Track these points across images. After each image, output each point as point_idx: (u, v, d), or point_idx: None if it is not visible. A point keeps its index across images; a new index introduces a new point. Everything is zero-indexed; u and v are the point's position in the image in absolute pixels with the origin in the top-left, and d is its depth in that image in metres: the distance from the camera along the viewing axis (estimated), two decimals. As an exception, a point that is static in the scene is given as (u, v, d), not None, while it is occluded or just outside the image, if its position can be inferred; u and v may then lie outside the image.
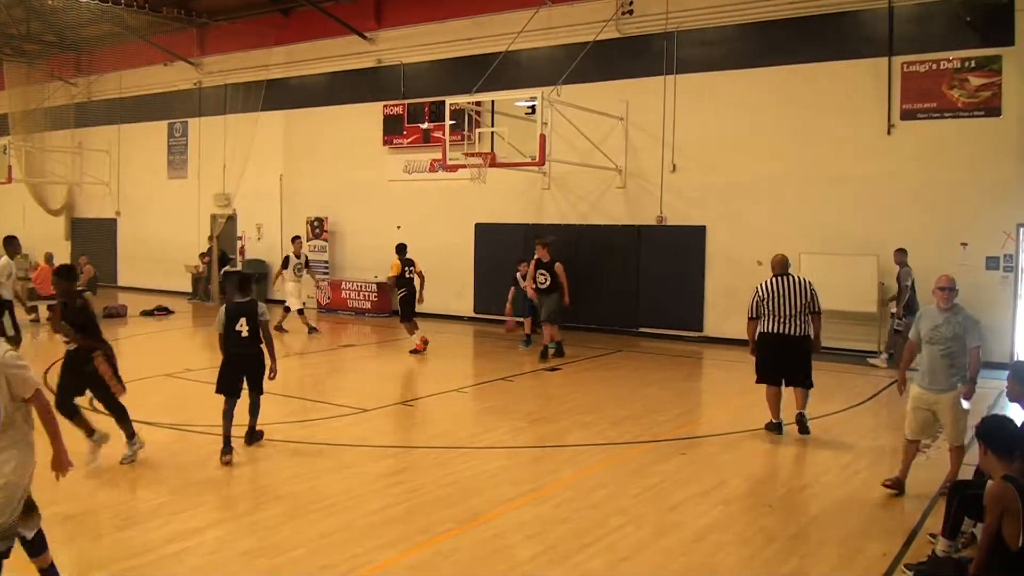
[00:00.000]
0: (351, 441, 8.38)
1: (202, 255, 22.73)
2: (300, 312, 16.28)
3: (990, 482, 4.60)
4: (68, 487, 6.67)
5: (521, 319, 15.02)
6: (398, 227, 19.26)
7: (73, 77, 26.07)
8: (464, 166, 15.29)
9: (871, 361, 13.32)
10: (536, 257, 13.56)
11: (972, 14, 13.34)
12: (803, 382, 8.83)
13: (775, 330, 8.69)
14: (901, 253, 13.13)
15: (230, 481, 7.16)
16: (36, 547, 4.57)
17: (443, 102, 16.68)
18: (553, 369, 12.89)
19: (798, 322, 8.66)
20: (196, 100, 23.90)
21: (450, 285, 18.85)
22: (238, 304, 7.89)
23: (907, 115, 13.96)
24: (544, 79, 16.16)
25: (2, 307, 12.02)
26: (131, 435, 7.52)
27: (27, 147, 25.78)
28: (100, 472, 7.18)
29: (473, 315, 18.65)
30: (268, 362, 7.93)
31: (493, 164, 14.92)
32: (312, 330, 16.21)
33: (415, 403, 10.54)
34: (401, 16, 19.68)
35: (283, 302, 16.59)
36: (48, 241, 25.17)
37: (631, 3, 16.57)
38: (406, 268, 14.08)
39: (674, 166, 16.16)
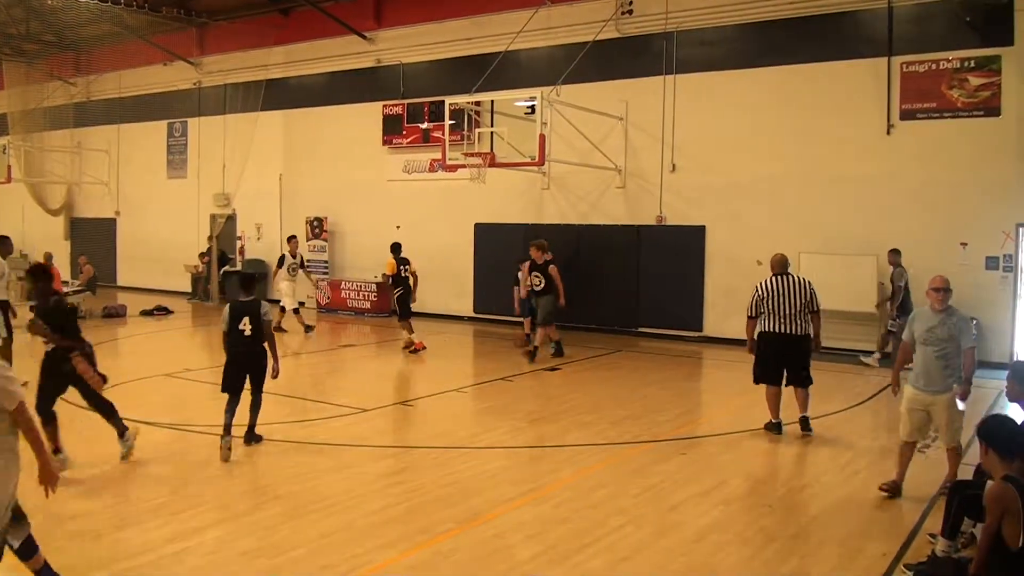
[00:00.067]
0: (351, 441, 8.38)
1: (202, 255, 22.73)
2: (295, 311, 16.29)
3: (990, 482, 4.60)
4: (66, 486, 6.69)
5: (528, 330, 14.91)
6: (397, 227, 19.25)
7: (72, 77, 26.07)
8: (464, 166, 15.29)
9: (864, 360, 13.31)
10: (530, 259, 13.54)
11: (972, 14, 13.35)
12: (803, 381, 8.86)
13: (775, 329, 8.70)
14: (895, 254, 13.14)
15: (230, 481, 7.16)
16: (27, 552, 4.56)
17: (442, 102, 16.68)
18: (553, 369, 12.89)
19: (798, 321, 8.69)
20: (195, 100, 23.90)
21: (450, 285, 18.86)
22: (242, 303, 7.98)
23: (907, 115, 13.96)
24: (543, 79, 16.18)
25: None
26: (122, 432, 7.49)
27: (26, 147, 25.77)
28: (100, 472, 7.17)
29: (473, 315, 18.64)
30: (271, 361, 7.97)
31: (493, 164, 14.92)
32: (308, 328, 16.24)
33: (415, 403, 10.54)
34: (400, 16, 19.69)
35: (279, 301, 16.58)
36: (47, 241, 25.19)
37: (631, 3, 16.57)
38: (401, 267, 14.10)
39: (674, 166, 16.16)
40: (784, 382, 8.90)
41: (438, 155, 17.73)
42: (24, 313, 16.99)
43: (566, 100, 15.21)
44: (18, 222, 28.00)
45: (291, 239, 17.37)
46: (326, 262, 21.04)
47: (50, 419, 7.00)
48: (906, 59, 13.92)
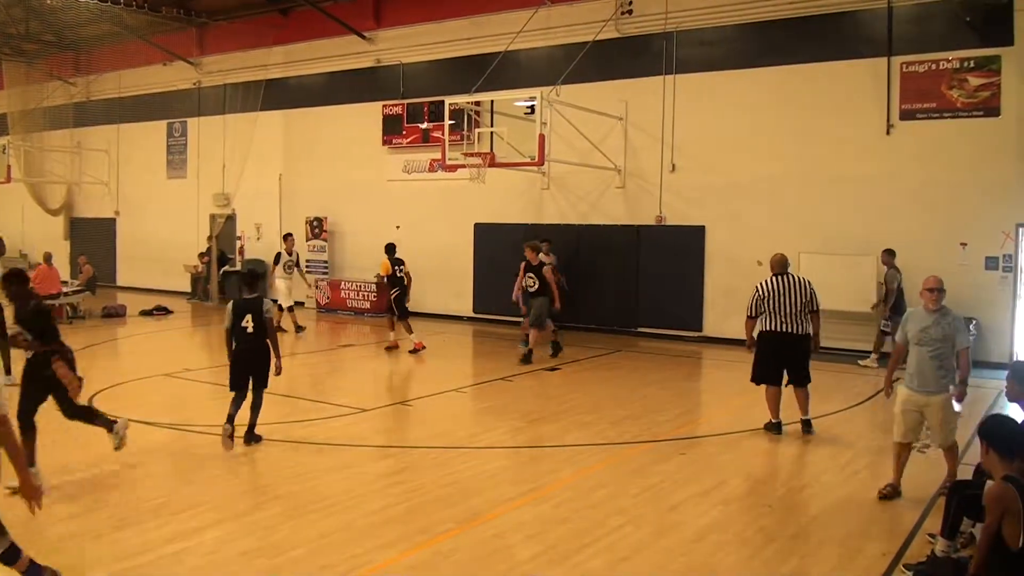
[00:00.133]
0: (351, 441, 8.38)
1: (201, 255, 22.73)
2: (290, 310, 16.31)
3: (989, 482, 4.60)
4: (67, 487, 6.70)
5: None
6: (397, 227, 19.27)
7: (72, 77, 26.05)
8: (463, 166, 15.28)
9: (861, 363, 13.29)
10: (525, 260, 13.53)
11: (971, 14, 13.35)
12: (802, 381, 8.89)
13: (776, 328, 8.72)
14: (889, 254, 13.15)
15: (230, 481, 7.16)
16: (11, 557, 4.54)
17: (442, 102, 16.67)
18: (552, 369, 12.89)
19: (799, 321, 8.71)
20: (195, 100, 23.89)
21: (449, 285, 18.87)
22: (244, 300, 8.05)
23: (906, 115, 13.96)
24: (543, 79, 16.17)
25: None
26: (109, 427, 7.30)
27: (26, 147, 25.76)
28: (99, 472, 7.17)
29: (472, 315, 18.64)
30: (273, 358, 8.04)
31: (492, 164, 14.92)
32: (299, 329, 16.25)
33: (414, 403, 10.54)
34: (400, 16, 19.69)
35: (276, 300, 16.57)
36: (47, 241, 25.14)
37: (630, 3, 16.57)
38: (396, 267, 14.11)
39: (673, 166, 16.16)
40: (784, 382, 8.92)
41: (438, 155, 17.73)
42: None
43: (566, 100, 15.20)
44: (18, 222, 28.03)
45: (287, 237, 17.39)
46: (326, 262, 21.04)
47: (29, 429, 6.71)
48: (906, 59, 13.92)
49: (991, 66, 13.25)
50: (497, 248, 17.69)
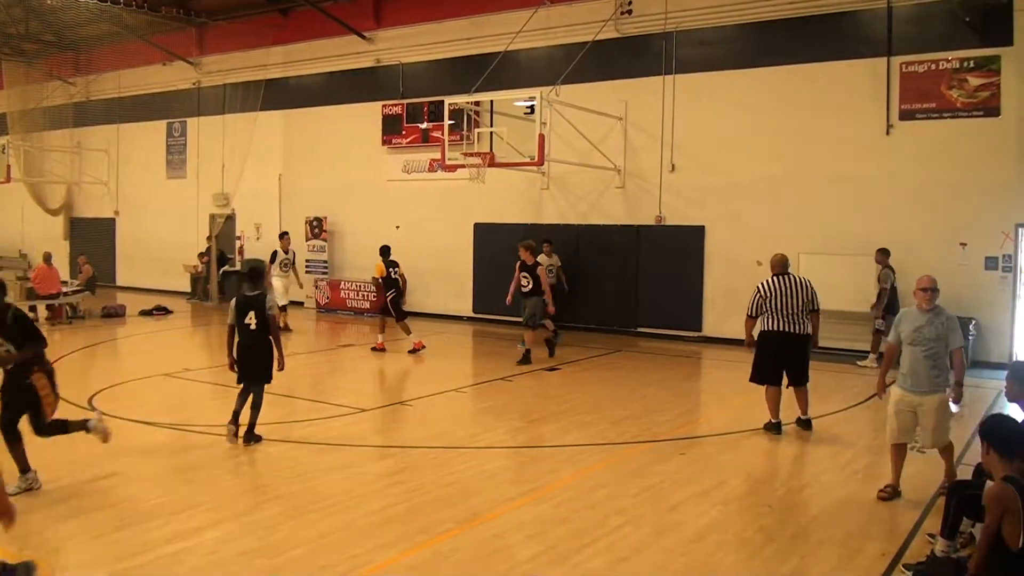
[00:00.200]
0: (351, 441, 8.38)
1: (201, 255, 22.73)
2: (283, 309, 16.32)
3: (989, 483, 4.61)
4: (67, 486, 6.70)
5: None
6: (397, 227, 19.29)
7: (72, 76, 26.05)
8: (463, 166, 15.28)
9: (860, 363, 13.29)
10: (520, 260, 13.54)
11: (971, 14, 13.34)
12: (802, 380, 8.93)
13: (778, 328, 8.73)
14: (883, 253, 13.16)
15: (230, 481, 7.16)
16: None
17: (442, 102, 16.67)
18: (552, 369, 12.89)
19: (800, 320, 8.73)
20: (195, 100, 23.89)
21: (449, 285, 18.88)
22: (247, 297, 8.09)
23: (906, 115, 13.96)
24: (543, 79, 16.18)
25: None
26: (85, 427, 7.03)
27: (26, 146, 25.76)
28: (98, 472, 7.17)
29: (472, 315, 18.64)
30: (276, 354, 8.10)
31: (492, 164, 14.91)
32: (285, 328, 16.25)
33: (414, 403, 10.54)
34: (400, 16, 19.69)
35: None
36: (47, 241, 25.13)
37: (630, 3, 16.57)
38: (390, 269, 14.12)
39: (673, 166, 16.17)
40: (784, 382, 8.93)
41: (437, 155, 17.75)
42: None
43: (565, 100, 15.20)
44: (17, 222, 28.05)
45: (283, 236, 17.41)
46: (325, 262, 21.04)
47: (15, 439, 6.56)
48: (905, 59, 13.92)
49: (991, 66, 13.25)
50: (497, 248, 17.68)
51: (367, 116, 20.17)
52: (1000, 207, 13.19)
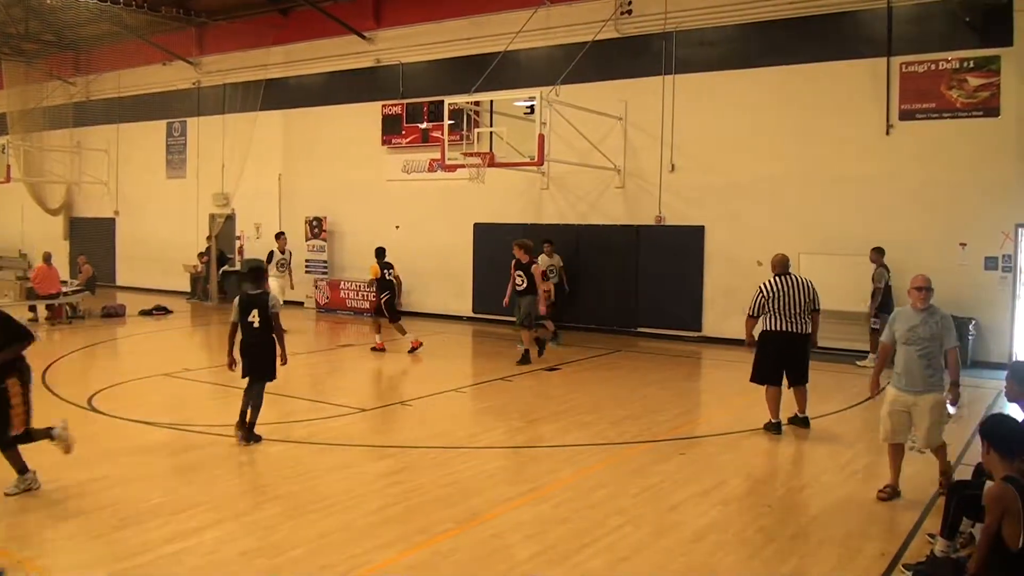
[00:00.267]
0: (350, 441, 8.38)
1: (201, 255, 22.72)
2: None
3: (989, 483, 4.61)
4: (66, 486, 6.69)
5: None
6: (396, 227, 19.29)
7: (72, 76, 26.05)
8: (463, 166, 15.28)
9: (859, 363, 13.29)
10: (515, 259, 13.54)
11: (971, 14, 13.35)
12: (802, 380, 8.95)
13: (780, 328, 8.73)
14: (877, 252, 13.17)
15: (229, 481, 7.15)
16: None
17: (442, 102, 16.66)
18: (552, 369, 12.89)
19: (802, 320, 8.75)
20: (195, 100, 23.89)
21: (449, 285, 18.87)
22: (250, 296, 8.17)
23: (906, 115, 13.96)
24: (543, 79, 16.18)
25: None
26: (47, 433, 6.76)
27: (25, 146, 25.75)
28: (98, 472, 7.16)
29: (472, 315, 18.64)
30: (279, 350, 8.18)
31: (492, 164, 14.91)
32: None
33: (414, 403, 10.53)
34: (400, 16, 19.69)
35: None
36: (47, 240, 25.15)
37: (630, 3, 16.56)
38: (385, 271, 14.13)
39: (673, 166, 16.16)
40: (785, 383, 8.93)
41: (437, 155, 17.74)
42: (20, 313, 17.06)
43: (565, 100, 15.20)
44: (17, 222, 28.06)
45: (279, 235, 17.41)
46: (325, 262, 21.04)
47: (8, 445, 6.44)
48: (905, 59, 13.92)
49: (991, 66, 13.25)
50: (497, 248, 17.64)
51: (367, 116, 20.17)
52: (1000, 207, 13.19)
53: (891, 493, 6.75)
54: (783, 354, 8.79)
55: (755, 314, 8.86)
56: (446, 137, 15.98)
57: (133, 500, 6.48)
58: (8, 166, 24.41)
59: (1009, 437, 4.55)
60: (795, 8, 14.85)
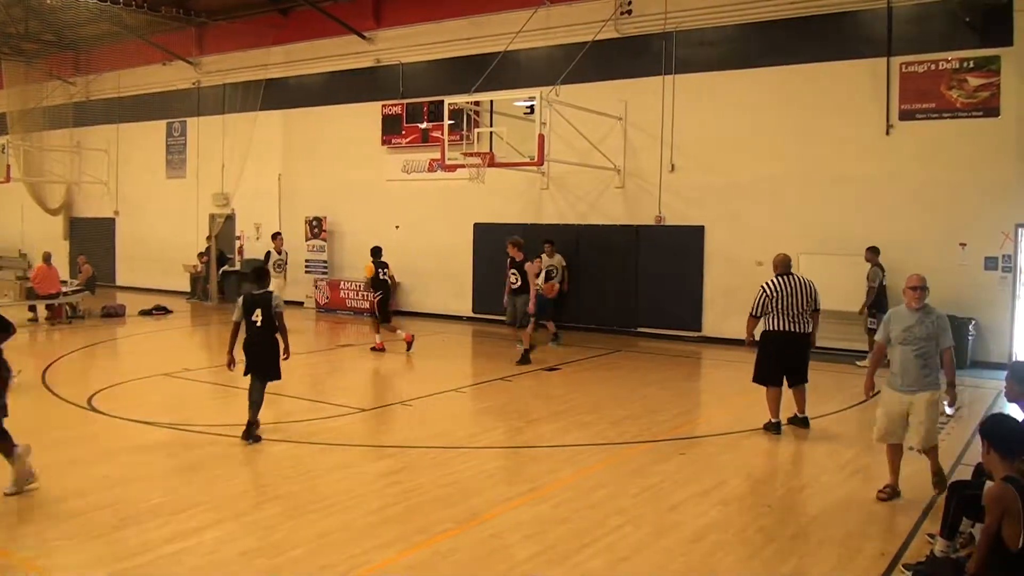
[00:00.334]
0: (350, 441, 8.38)
1: (200, 255, 22.72)
2: None
3: (989, 483, 4.61)
4: (66, 486, 6.69)
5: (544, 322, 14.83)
6: (396, 227, 19.29)
7: (71, 76, 26.06)
8: (463, 166, 15.28)
9: (859, 363, 13.27)
10: (510, 257, 13.54)
11: (971, 14, 13.34)
12: (802, 379, 8.97)
13: (782, 328, 8.74)
14: (873, 252, 13.17)
15: (229, 481, 7.15)
16: None
17: (442, 102, 16.66)
18: (552, 369, 12.89)
19: (803, 320, 8.76)
20: (195, 100, 23.89)
21: (449, 285, 18.87)
22: (254, 295, 8.25)
23: (905, 115, 13.96)
24: (543, 79, 16.18)
25: None
26: (10, 450, 6.43)
27: (25, 146, 25.76)
28: (98, 472, 7.16)
29: (472, 315, 18.64)
30: (282, 347, 8.23)
31: (492, 164, 14.92)
32: None
33: (413, 403, 10.53)
34: (400, 16, 19.69)
35: None
36: (47, 240, 25.15)
37: (630, 3, 16.56)
38: (380, 270, 14.14)
39: (673, 166, 16.16)
40: (785, 383, 8.94)
41: (437, 155, 17.74)
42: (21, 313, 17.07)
43: (565, 100, 15.20)
44: (17, 222, 28.06)
45: (276, 236, 17.41)
46: (325, 262, 21.03)
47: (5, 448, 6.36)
48: (905, 59, 13.92)
49: (990, 66, 13.25)
50: (497, 248, 17.59)
51: (367, 116, 20.16)
52: (1000, 207, 13.19)
53: (891, 493, 6.75)
54: (784, 354, 8.80)
55: (758, 314, 8.86)
56: (446, 137, 15.98)
57: (133, 500, 6.48)
58: (8, 166, 24.42)
59: (1009, 437, 4.55)
60: (795, 8, 14.85)
